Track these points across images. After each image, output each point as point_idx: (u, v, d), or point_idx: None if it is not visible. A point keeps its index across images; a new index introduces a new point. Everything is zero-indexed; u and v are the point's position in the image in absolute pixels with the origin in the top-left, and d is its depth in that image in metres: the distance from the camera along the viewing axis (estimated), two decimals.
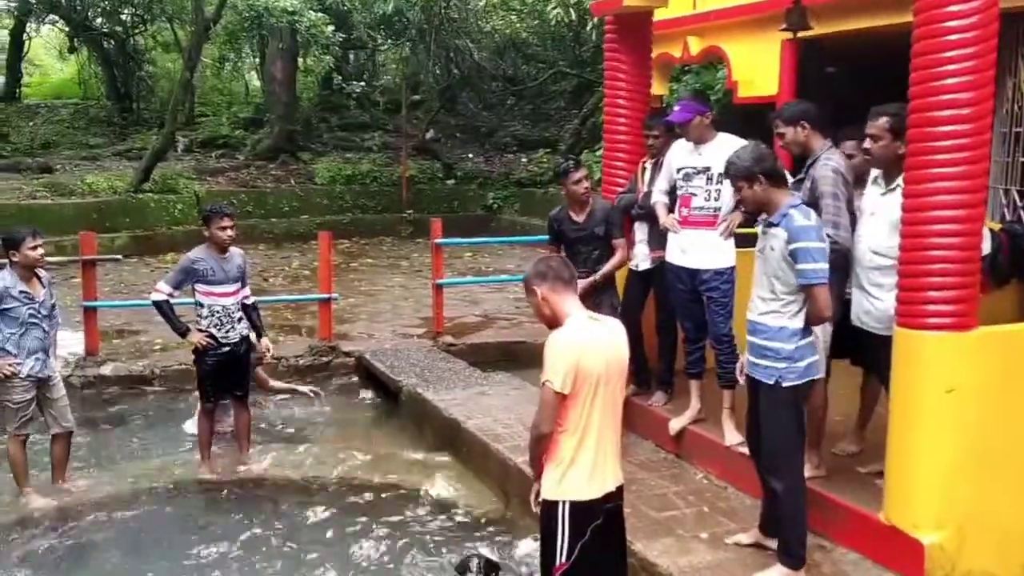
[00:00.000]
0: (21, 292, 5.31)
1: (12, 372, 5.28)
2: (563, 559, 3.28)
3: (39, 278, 5.45)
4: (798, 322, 3.76)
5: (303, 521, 5.28)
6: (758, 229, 4.02)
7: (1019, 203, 7.08)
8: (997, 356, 3.77)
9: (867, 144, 4.28)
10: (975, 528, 3.77)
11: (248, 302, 6.00)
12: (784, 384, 3.76)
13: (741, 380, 4.11)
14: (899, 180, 4.14)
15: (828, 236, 4.17)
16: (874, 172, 4.40)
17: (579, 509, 3.28)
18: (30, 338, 5.34)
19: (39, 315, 5.39)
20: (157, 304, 5.79)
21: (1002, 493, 3.81)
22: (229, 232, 5.74)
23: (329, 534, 5.10)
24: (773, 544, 4.01)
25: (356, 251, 15.59)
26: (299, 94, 20.54)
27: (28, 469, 5.54)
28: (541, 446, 3.31)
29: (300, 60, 20.44)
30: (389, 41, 19.21)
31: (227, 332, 5.82)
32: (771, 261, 3.79)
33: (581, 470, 3.28)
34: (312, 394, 7.27)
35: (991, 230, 4.36)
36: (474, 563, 4.40)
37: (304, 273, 12.79)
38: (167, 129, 16.61)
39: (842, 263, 4.29)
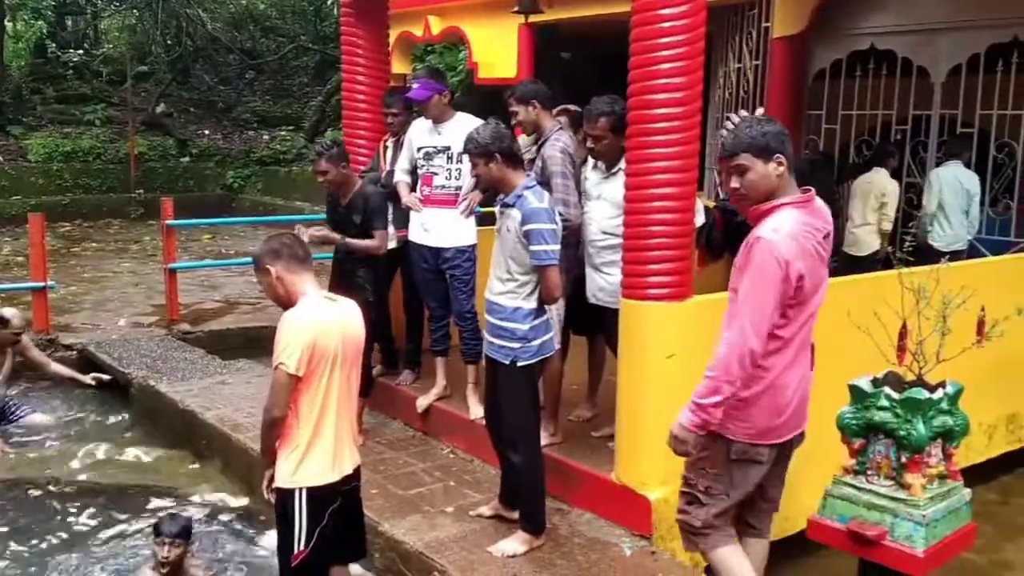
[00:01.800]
0: None
1: None
2: (301, 546, 3.19)
3: None
4: (532, 302, 3.85)
5: (38, 525, 4.79)
6: (495, 209, 4.10)
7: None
8: (710, 323, 4.09)
9: (590, 144, 4.49)
10: None
11: None
12: (519, 363, 3.84)
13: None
14: (620, 164, 4.39)
15: (560, 214, 4.35)
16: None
17: (317, 495, 3.21)
18: None
19: None
20: None
21: None
22: None
23: (43, 540, 4.66)
24: (513, 515, 4.12)
25: (79, 235, 14.36)
26: (8, 62, 18.49)
27: None
28: (275, 431, 3.19)
29: (8, 25, 18.38)
30: (112, 6, 17.74)
31: None
32: (507, 242, 3.85)
33: (319, 455, 3.21)
34: (94, 383, 6.64)
35: (706, 207, 4.72)
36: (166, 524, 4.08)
37: (18, 260, 11.60)
38: None
39: (573, 240, 4.50)
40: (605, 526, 4.17)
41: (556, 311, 4.54)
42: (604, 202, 4.47)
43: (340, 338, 3.19)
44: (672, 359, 3.98)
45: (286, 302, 3.23)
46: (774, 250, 2.91)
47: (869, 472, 3.05)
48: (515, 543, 3.93)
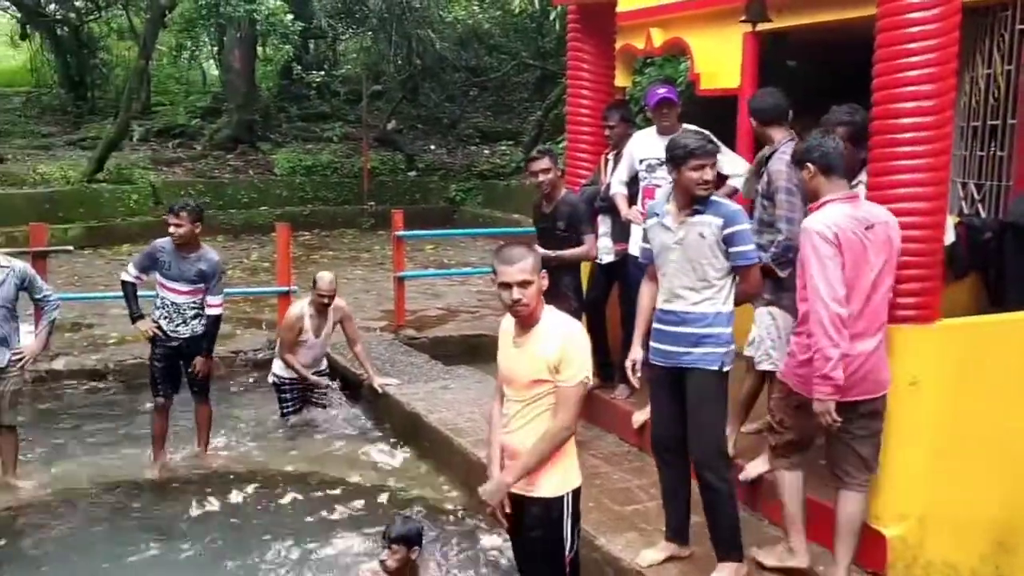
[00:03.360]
0: None
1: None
2: (571, 549, 3.27)
3: None
4: (730, 305, 3.80)
5: (259, 518, 5.17)
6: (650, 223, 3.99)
7: (976, 196, 7.17)
8: (958, 348, 3.79)
9: None
10: (936, 520, 3.79)
11: (211, 312, 5.79)
12: (725, 368, 3.76)
13: (636, 383, 4.06)
14: (860, 178, 4.15)
15: (780, 231, 4.18)
16: None
17: (577, 495, 3.31)
18: None
19: None
20: (123, 284, 5.74)
21: (964, 485, 3.83)
22: (172, 230, 5.57)
23: (286, 532, 4.99)
24: (686, 553, 3.98)
25: (316, 243, 15.40)
26: (258, 83, 20.22)
27: None
28: (562, 446, 3.25)
29: (259, 49, 20.11)
30: (350, 30, 18.96)
31: (176, 327, 5.69)
32: (700, 248, 3.74)
33: (573, 456, 3.33)
34: (380, 389, 6.73)
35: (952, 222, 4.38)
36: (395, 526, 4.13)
37: (263, 265, 12.60)
38: (121, 118, 16.24)
39: (792, 258, 4.30)
40: (831, 557, 3.94)
41: (780, 330, 4.36)
42: None
43: None
44: (914, 386, 3.71)
45: (537, 311, 3.22)
46: (820, 232, 3.52)
47: None
48: None
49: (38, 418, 6.68)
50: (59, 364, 7.60)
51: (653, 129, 5.25)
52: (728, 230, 3.70)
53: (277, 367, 6.72)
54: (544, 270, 3.27)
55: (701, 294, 3.76)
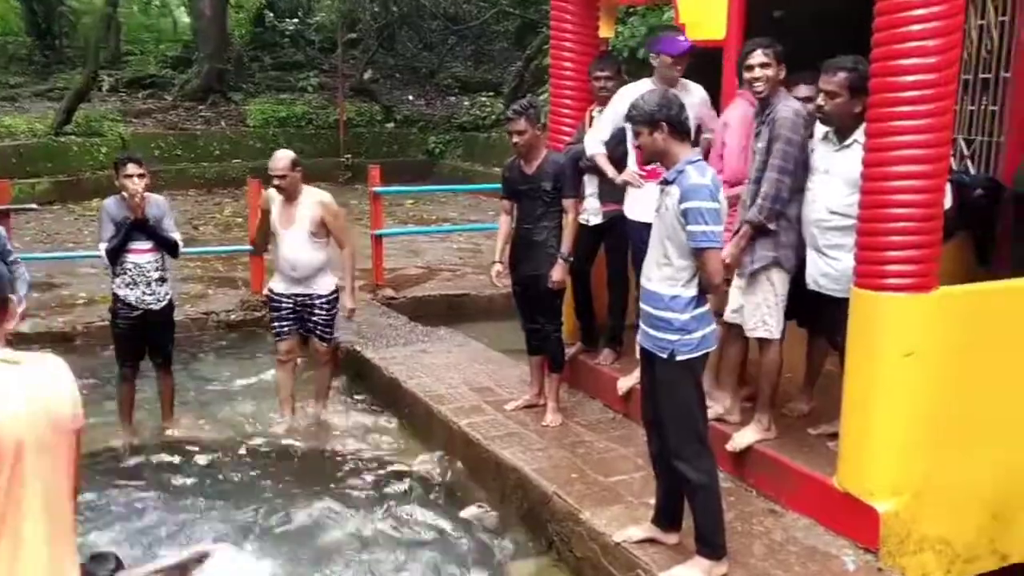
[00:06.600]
0: None
1: None
2: None
3: None
4: (692, 289, 3.44)
5: (226, 487, 4.99)
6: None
7: (966, 152, 7.00)
8: (957, 317, 3.64)
9: (820, 100, 4.06)
10: (931, 494, 3.68)
11: (173, 237, 5.40)
12: (677, 357, 3.45)
13: None
14: (855, 136, 3.97)
15: (768, 180, 4.07)
16: (823, 128, 4.20)
17: None
18: None
19: None
20: (108, 255, 5.33)
21: (959, 459, 3.71)
22: (136, 181, 5.21)
23: (254, 501, 4.82)
24: (670, 539, 3.75)
25: None
26: (230, 31, 19.66)
27: None
28: None
29: None
30: None
31: (142, 295, 5.37)
32: (666, 222, 3.47)
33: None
34: (347, 315, 5.94)
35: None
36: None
37: (237, 221, 12.32)
38: (89, 68, 15.77)
39: (779, 209, 4.16)
40: (824, 534, 3.84)
41: (781, 292, 4.21)
42: (834, 178, 4.05)
43: (25, 417, 2.05)
44: (910, 358, 3.56)
45: None
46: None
47: None
48: (692, 571, 3.53)
49: None
50: (25, 327, 7.34)
51: (646, 83, 4.98)
52: (683, 205, 3.35)
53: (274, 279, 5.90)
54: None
55: (661, 271, 3.50)
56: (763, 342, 4.31)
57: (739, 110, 4.61)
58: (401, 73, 20.88)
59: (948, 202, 3.77)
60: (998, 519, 3.85)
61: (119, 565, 3.27)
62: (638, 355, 4.98)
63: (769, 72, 4.21)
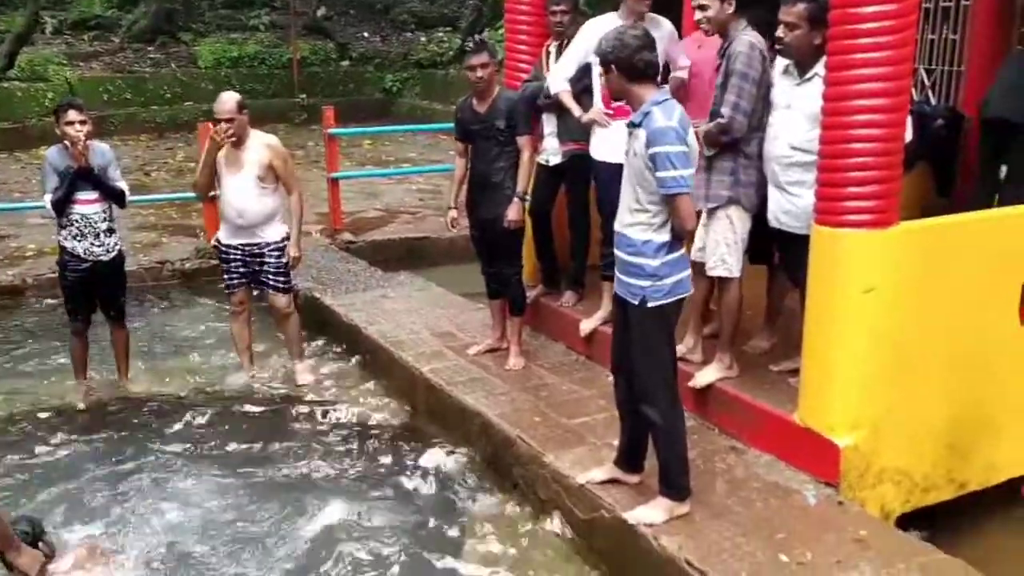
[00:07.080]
0: None
1: None
2: None
3: None
4: (664, 235, 3.37)
5: (192, 442, 4.91)
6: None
7: (927, 82, 6.97)
8: (916, 253, 3.64)
9: (780, 33, 3.97)
10: (890, 428, 3.72)
11: (120, 186, 5.25)
12: (649, 304, 3.40)
13: None
14: (816, 69, 3.90)
15: (721, 115, 3.98)
16: (784, 62, 4.12)
17: None
18: None
19: None
20: (54, 207, 5.14)
21: (918, 392, 3.75)
22: (77, 128, 5.01)
23: (221, 457, 4.76)
24: (632, 479, 3.75)
25: None
26: None
27: None
28: None
29: None
30: None
31: (91, 246, 5.21)
32: (635, 166, 3.40)
33: None
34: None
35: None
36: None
37: (189, 166, 11.95)
38: (31, 8, 15.15)
39: (726, 142, 4.11)
40: (786, 470, 3.87)
41: (741, 233, 4.17)
42: (795, 112, 3.99)
43: None
44: (870, 294, 3.56)
45: None
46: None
47: None
48: (655, 511, 3.52)
49: None
50: None
51: (611, 16, 4.83)
52: (651, 150, 3.27)
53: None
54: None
55: (633, 216, 3.42)
56: (723, 280, 4.28)
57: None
58: (355, 9, 20.32)
59: (909, 135, 3.73)
60: (954, 449, 3.91)
61: (39, 532, 3.12)
62: (606, 300, 5.00)
63: (710, 13, 4.13)
